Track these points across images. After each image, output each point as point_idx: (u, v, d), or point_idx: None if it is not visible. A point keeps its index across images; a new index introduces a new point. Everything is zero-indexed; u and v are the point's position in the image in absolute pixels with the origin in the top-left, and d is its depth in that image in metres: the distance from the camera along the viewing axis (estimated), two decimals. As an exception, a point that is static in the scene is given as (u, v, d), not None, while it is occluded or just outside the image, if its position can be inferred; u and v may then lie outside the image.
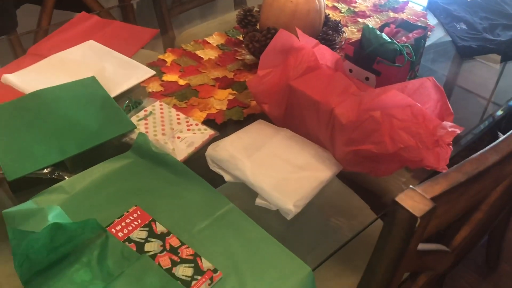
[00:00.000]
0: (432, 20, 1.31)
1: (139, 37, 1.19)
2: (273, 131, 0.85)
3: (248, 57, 1.11)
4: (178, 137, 0.87)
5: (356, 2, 1.38)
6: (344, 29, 1.16)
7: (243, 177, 0.77)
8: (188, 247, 0.68)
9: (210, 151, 0.82)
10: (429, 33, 1.23)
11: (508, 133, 0.54)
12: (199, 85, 1.02)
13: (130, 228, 0.71)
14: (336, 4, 1.37)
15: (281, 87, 0.84)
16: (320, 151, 0.81)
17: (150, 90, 1.00)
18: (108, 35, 1.17)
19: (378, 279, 0.50)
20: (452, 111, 0.77)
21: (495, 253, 1.38)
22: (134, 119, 0.89)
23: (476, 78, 1.16)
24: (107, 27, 1.21)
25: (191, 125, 0.90)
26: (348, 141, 0.74)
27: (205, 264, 0.66)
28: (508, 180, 0.62)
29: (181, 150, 0.85)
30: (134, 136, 0.86)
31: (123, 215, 0.72)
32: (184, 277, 0.64)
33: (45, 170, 0.80)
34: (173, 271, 0.65)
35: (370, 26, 0.88)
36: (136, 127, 0.87)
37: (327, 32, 1.05)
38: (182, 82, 1.03)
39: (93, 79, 0.98)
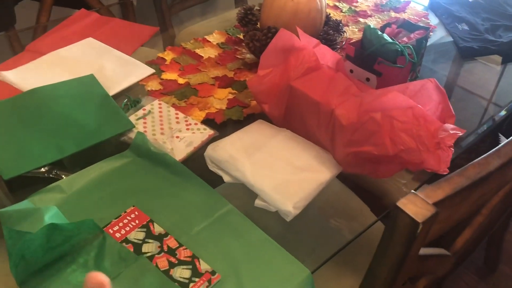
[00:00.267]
0: (433, 20, 1.31)
1: (138, 35, 1.18)
2: (273, 132, 0.85)
3: (249, 56, 1.11)
4: (177, 137, 0.86)
5: (357, 2, 1.37)
6: (345, 28, 1.15)
7: (242, 178, 0.76)
8: (186, 249, 0.68)
9: (209, 151, 0.81)
10: (430, 33, 1.23)
11: (511, 138, 0.53)
12: (199, 84, 1.02)
13: (127, 228, 0.70)
14: (337, 4, 1.36)
15: (282, 87, 0.84)
16: (320, 152, 0.80)
17: (149, 88, 0.99)
18: (107, 32, 1.16)
19: (379, 284, 0.50)
20: (453, 113, 0.77)
21: (495, 254, 1.38)
22: (132, 118, 0.89)
23: (476, 79, 1.16)
24: (107, 24, 1.20)
25: (190, 124, 0.90)
26: (348, 143, 0.74)
27: (203, 266, 0.66)
28: (510, 184, 0.61)
29: (180, 149, 0.84)
30: (132, 135, 0.85)
31: (121, 215, 0.72)
32: (181, 279, 0.64)
33: (42, 169, 0.79)
34: (170, 273, 0.64)
35: (372, 26, 0.87)
36: (134, 126, 0.86)
37: (328, 31, 1.04)
38: (181, 80, 1.02)
39: (91, 77, 0.97)
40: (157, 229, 0.70)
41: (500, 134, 1.23)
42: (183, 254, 0.67)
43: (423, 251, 0.49)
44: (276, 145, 0.82)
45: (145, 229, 0.70)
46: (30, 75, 0.99)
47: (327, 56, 0.86)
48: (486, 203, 0.62)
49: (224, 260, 0.67)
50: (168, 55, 1.10)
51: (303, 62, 0.82)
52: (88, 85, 0.96)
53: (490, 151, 0.50)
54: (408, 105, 0.71)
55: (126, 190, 0.76)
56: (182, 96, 0.98)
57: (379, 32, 0.86)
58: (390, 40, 0.84)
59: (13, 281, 0.62)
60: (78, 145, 0.82)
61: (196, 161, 0.83)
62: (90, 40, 1.12)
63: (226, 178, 0.79)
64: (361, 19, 1.28)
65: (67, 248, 0.66)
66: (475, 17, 1.28)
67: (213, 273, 0.65)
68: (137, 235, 0.69)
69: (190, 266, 0.65)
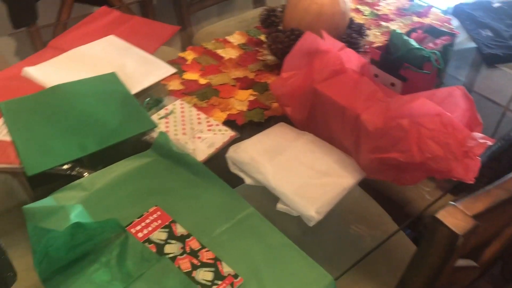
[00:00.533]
0: (456, 27, 1.29)
1: (160, 33, 1.18)
2: (295, 135, 0.84)
3: (270, 57, 1.10)
4: (199, 137, 0.86)
5: (379, 5, 1.36)
6: (367, 32, 1.14)
7: (264, 181, 0.76)
8: (208, 251, 0.67)
9: (231, 153, 0.81)
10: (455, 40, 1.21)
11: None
12: (220, 84, 1.01)
13: (150, 228, 0.70)
14: (359, 7, 1.35)
15: (305, 90, 0.83)
16: (343, 157, 0.79)
17: (170, 88, 0.99)
18: (128, 30, 1.17)
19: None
20: (481, 121, 0.76)
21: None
22: (154, 117, 0.89)
23: (498, 86, 1.14)
24: (128, 22, 1.20)
25: (212, 125, 0.89)
26: (373, 148, 0.73)
27: (226, 268, 0.65)
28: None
29: (201, 150, 0.84)
30: (154, 134, 0.85)
31: (143, 215, 0.72)
32: (204, 282, 0.63)
33: (65, 166, 0.79)
34: (193, 275, 0.64)
35: (398, 30, 0.86)
36: (157, 126, 0.86)
37: (351, 35, 1.04)
38: (202, 81, 1.02)
39: (113, 75, 0.98)
40: (179, 229, 0.70)
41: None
42: (206, 256, 0.67)
43: (457, 263, 0.48)
44: (298, 149, 0.81)
45: (167, 230, 0.70)
46: (53, 71, 1.00)
47: (352, 59, 0.85)
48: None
49: (245, 263, 0.67)
50: (189, 55, 1.10)
51: (328, 65, 0.82)
52: (110, 83, 0.96)
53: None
54: (436, 112, 0.70)
55: (147, 190, 0.76)
56: (204, 96, 0.97)
57: (406, 37, 0.85)
58: (417, 46, 0.83)
59: (34, 276, 0.63)
60: (100, 144, 0.82)
61: (216, 162, 0.83)
62: (111, 38, 1.12)
63: (247, 180, 0.78)
64: (383, 23, 1.26)
65: (90, 247, 0.66)
66: (499, 23, 1.26)
67: (235, 276, 0.64)
68: (159, 235, 0.69)
69: (213, 269, 0.65)
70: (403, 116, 0.71)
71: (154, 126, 0.86)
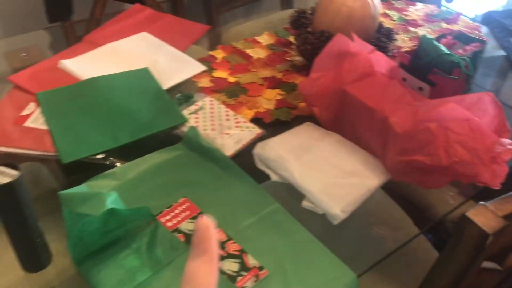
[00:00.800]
0: (486, 34, 1.29)
1: (190, 32, 1.20)
2: (322, 134, 0.86)
3: (298, 58, 1.12)
4: (227, 133, 0.88)
5: (408, 11, 1.37)
6: (396, 37, 1.15)
7: (290, 178, 0.78)
8: (234, 243, 0.69)
9: (258, 149, 0.83)
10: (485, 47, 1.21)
11: None
12: (248, 83, 1.03)
13: (179, 218, 0.72)
14: (387, 11, 1.35)
15: (334, 91, 0.84)
16: (369, 158, 0.81)
17: (200, 85, 1.01)
18: (161, 28, 1.19)
19: (435, 293, 0.50)
20: (509, 128, 0.76)
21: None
22: (185, 112, 0.91)
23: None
24: (160, 20, 1.23)
25: (240, 122, 0.91)
26: (401, 151, 0.74)
27: (251, 261, 0.67)
28: None
29: (229, 146, 0.86)
30: (184, 129, 0.87)
31: (172, 205, 0.74)
32: (230, 272, 0.65)
33: (98, 156, 0.82)
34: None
35: (428, 36, 0.87)
36: (187, 120, 0.89)
37: (380, 38, 1.05)
38: (231, 79, 1.04)
39: (146, 71, 1.00)
40: (207, 221, 0.72)
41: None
42: (232, 248, 0.69)
43: (483, 265, 0.49)
44: (324, 148, 0.83)
45: (195, 220, 0.72)
46: (88, 64, 1.03)
47: (381, 63, 0.86)
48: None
49: (270, 256, 0.68)
50: (219, 54, 1.12)
51: (357, 67, 0.83)
52: (142, 78, 0.99)
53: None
54: (464, 117, 0.71)
55: (177, 181, 0.78)
56: (232, 94, 1.00)
57: (436, 42, 0.85)
58: (447, 51, 0.84)
59: (65, 261, 0.65)
60: (132, 135, 0.85)
61: (243, 158, 0.85)
62: (144, 35, 1.15)
63: (273, 177, 0.80)
64: (411, 28, 1.27)
65: (121, 233, 0.69)
66: (529, 32, 1.25)
67: (260, 268, 0.66)
68: (187, 225, 0.71)
69: (239, 260, 0.67)
70: (431, 120, 0.72)
71: (184, 120, 0.89)
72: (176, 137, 0.87)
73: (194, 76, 1.04)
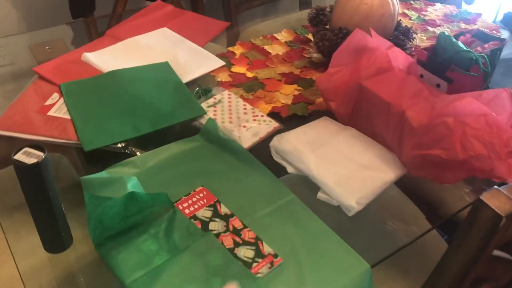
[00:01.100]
0: (505, 34, 1.28)
1: (210, 28, 1.22)
2: (338, 129, 0.86)
3: (315, 55, 1.13)
4: (244, 126, 0.89)
5: (426, 11, 1.37)
6: (414, 35, 1.15)
7: (306, 170, 0.79)
8: (250, 230, 0.70)
9: (275, 142, 0.84)
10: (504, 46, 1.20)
11: None
12: (266, 78, 1.05)
13: (196, 206, 0.73)
14: (406, 11, 1.36)
15: (351, 86, 0.85)
16: (385, 152, 0.81)
17: (219, 79, 1.03)
18: (181, 24, 1.22)
19: (448, 279, 0.51)
20: (527, 124, 0.76)
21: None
22: (203, 105, 0.93)
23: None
24: (181, 16, 1.25)
25: (257, 116, 0.93)
26: (417, 145, 0.74)
27: (266, 248, 0.68)
28: None
29: (246, 138, 0.87)
30: (203, 121, 0.89)
31: (190, 193, 0.75)
32: (245, 258, 0.66)
33: (119, 145, 0.84)
34: (235, 252, 0.67)
35: (446, 33, 0.87)
36: (206, 113, 0.90)
37: (398, 36, 1.05)
38: (249, 74, 1.06)
39: (166, 64, 1.03)
40: (223, 209, 0.73)
41: None
42: (248, 235, 0.70)
43: (495, 253, 0.50)
44: (340, 142, 0.83)
45: (212, 208, 0.73)
46: (109, 57, 1.06)
47: (399, 58, 0.87)
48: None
49: (285, 245, 0.69)
50: (238, 50, 1.14)
51: (375, 62, 0.84)
52: (163, 71, 1.01)
53: None
54: (481, 112, 0.71)
55: (195, 171, 0.80)
56: (250, 89, 1.01)
57: (454, 40, 0.86)
58: (465, 48, 0.84)
59: (85, 247, 0.67)
60: (153, 126, 0.87)
61: (260, 151, 0.86)
62: (165, 30, 1.17)
63: (289, 169, 0.81)
64: (430, 28, 1.27)
65: (140, 218, 0.70)
66: (550, 34, 1.24)
67: (275, 256, 0.67)
68: (204, 213, 0.72)
69: (254, 247, 0.68)
70: (448, 114, 0.72)
71: (203, 113, 0.90)
72: (194, 128, 0.89)
73: (213, 71, 1.06)
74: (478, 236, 0.44)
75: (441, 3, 1.43)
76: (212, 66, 1.06)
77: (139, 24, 1.20)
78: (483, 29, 1.25)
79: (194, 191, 0.76)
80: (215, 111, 0.92)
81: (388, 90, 0.80)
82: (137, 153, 0.83)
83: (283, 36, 1.21)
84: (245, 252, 0.67)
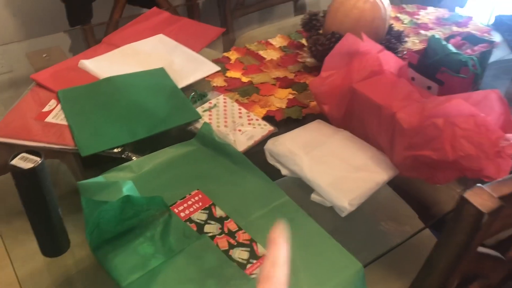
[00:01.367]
0: (496, 37, 1.30)
1: (205, 34, 1.24)
2: (332, 131, 0.88)
3: (309, 59, 1.14)
4: (239, 130, 0.91)
5: (419, 15, 1.39)
6: (406, 39, 1.17)
7: (300, 173, 0.80)
8: (244, 232, 0.72)
9: (270, 145, 0.85)
10: (493, 49, 1.22)
11: None
12: (261, 83, 1.06)
13: (191, 209, 0.75)
14: (398, 15, 1.37)
15: (343, 89, 0.87)
16: (377, 154, 0.83)
17: (214, 84, 1.05)
18: (177, 30, 1.23)
19: (436, 275, 0.52)
20: (516, 125, 0.77)
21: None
22: (199, 110, 0.94)
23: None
24: (176, 23, 1.27)
25: (252, 119, 0.94)
26: (408, 146, 0.76)
27: (261, 249, 0.69)
28: None
29: (241, 142, 0.88)
30: (198, 125, 0.90)
31: (185, 197, 0.77)
32: (240, 260, 0.68)
33: (116, 150, 0.85)
34: (230, 253, 0.68)
35: (437, 36, 0.89)
36: (201, 117, 0.92)
37: (390, 40, 1.07)
38: (245, 79, 1.07)
39: (162, 70, 1.04)
40: (218, 212, 0.74)
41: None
42: (242, 237, 0.71)
43: (482, 249, 0.51)
44: (334, 144, 0.85)
45: (207, 211, 0.74)
46: (106, 64, 1.07)
47: (390, 62, 0.88)
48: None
49: (279, 247, 0.70)
50: (233, 55, 1.16)
51: (366, 66, 0.85)
52: (158, 77, 1.02)
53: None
54: (470, 112, 0.72)
55: (191, 175, 0.81)
56: (245, 93, 1.03)
57: (444, 42, 0.87)
58: (455, 51, 0.86)
59: (82, 252, 0.68)
60: (148, 131, 0.88)
61: (255, 154, 0.87)
62: (161, 36, 1.19)
63: (284, 172, 0.83)
64: (422, 31, 1.29)
65: (136, 222, 0.72)
66: (540, 36, 1.26)
67: (269, 257, 0.68)
68: (200, 216, 0.74)
69: (248, 249, 0.69)
70: (438, 116, 0.74)
71: (198, 117, 0.92)
72: (190, 133, 0.90)
73: (209, 76, 1.07)
74: (463, 232, 0.45)
75: (434, 6, 1.45)
76: (208, 71, 1.08)
77: (135, 31, 1.22)
78: (474, 32, 1.26)
79: (190, 194, 0.77)
80: (210, 115, 0.94)
81: (379, 93, 0.81)
82: (133, 157, 0.84)
83: (278, 41, 1.23)
84: (240, 254, 0.69)
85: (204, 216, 0.74)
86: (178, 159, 0.84)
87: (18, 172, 0.58)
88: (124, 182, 0.69)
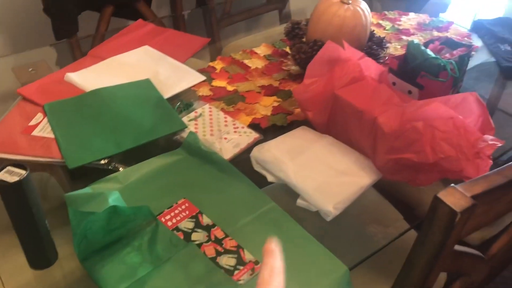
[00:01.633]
0: (476, 41, 1.33)
1: (191, 44, 1.25)
2: (316, 137, 0.89)
3: (293, 67, 1.16)
4: (225, 138, 0.92)
5: (400, 21, 1.41)
6: (388, 45, 1.19)
7: (286, 178, 0.81)
8: (231, 239, 0.72)
9: (255, 152, 0.86)
10: (473, 52, 1.25)
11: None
12: (246, 91, 1.08)
13: (178, 218, 0.75)
14: (380, 22, 1.40)
15: (326, 96, 0.88)
16: (361, 158, 0.84)
17: (200, 94, 1.06)
18: (162, 41, 1.25)
19: (416, 274, 0.53)
20: (493, 126, 0.79)
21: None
22: (185, 119, 0.95)
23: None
24: (162, 34, 1.28)
25: (238, 127, 0.95)
26: (389, 149, 0.77)
27: (247, 256, 0.70)
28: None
29: (227, 150, 0.89)
30: (184, 135, 0.91)
31: (172, 206, 0.77)
32: (227, 266, 0.68)
33: (102, 161, 0.86)
34: (217, 260, 0.69)
35: (415, 41, 0.91)
36: (187, 127, 0.93)
37: (371, 46, 1.09)
38: (230, 88, 1.09)
39: (148, 81, 1.05)
40: (205, 220, 0.75)
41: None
42: (229, 244, 0.72)
43: (460, 248, 0.52)
44: (318, 150, 0.86)
45: (194, 220, 0.75)
46: (92, 77, 1.08)
47: (370, 68, 0.90)
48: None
49: (266, 252, 0.71)
50: (218, 64, 1.17)
51: (347, 72, 0.87)
52: (144, 88, 1.04)
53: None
54: (449, 115, 0.74)
55: (177, 184, 0.82)
56: (231, 102, 1.04)
57: (423, 47, 0.89)
58: (433, 55, 0.88)
59: (73, 261, 0.69)
60: (134, 141, 0.89)
61: (242, 162, 0.88)
62: (146, 48, 1.20)
63: (270, 178, 0.84)
64: (404, 37, 1.31)
65: (123, 232, 0.72)
66: (518, 38, 1.29)
67: (256, 262, 0.69)
68: (187, 224, 0.74)
69: (235, 255, 0.70)
70: (417, 119, 0.75)
71: (184, 126, 0.93)
72: (176, 142, 0.91)
73: (194, 86, 1.08)
74: (438, 231, 0.47)
75: (415, 12, 1.48)
76: (193, 81, 1.09)
77: (121, 43, 1.23)
78: (453, 36, 1.29)
79: (177, 203, 0.78)
80: (196, 124, 0.95)
81: (361, 98, 0.83)
82: (120, 168, 0.85)
83: (262, 50, 1.24)
84: (227, 261, 0.69)
85: (191, 225, 0.74)
86: (164, 168, 0.85)
87: (3, 186, 0.59)
88: (110, 192, 0.70)
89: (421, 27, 1.38)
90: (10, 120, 0.95)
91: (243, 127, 0.95)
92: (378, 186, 0.84)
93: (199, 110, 0.98)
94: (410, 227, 0.80)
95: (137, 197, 0.80)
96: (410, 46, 0.90)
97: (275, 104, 1.04)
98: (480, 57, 1.27)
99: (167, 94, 1.03)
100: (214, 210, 0.77)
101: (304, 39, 1.15)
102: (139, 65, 1.13)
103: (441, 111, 0.75)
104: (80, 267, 0.69)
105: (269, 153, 0.85)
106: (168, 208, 0.77)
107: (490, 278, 0.76)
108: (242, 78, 1.13)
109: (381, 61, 1.12)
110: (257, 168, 0.86)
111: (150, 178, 0.83)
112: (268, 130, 0.98)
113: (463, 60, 0.92)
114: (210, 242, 0.72)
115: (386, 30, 1.36)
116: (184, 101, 1.02)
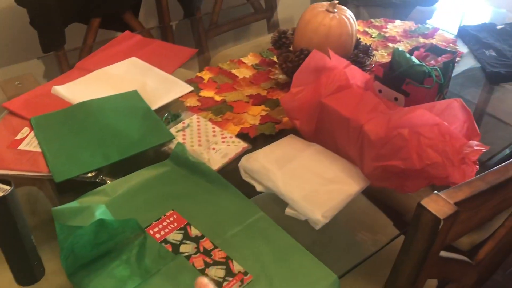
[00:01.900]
0: (461, 48, 1.34)
1: (178, 55, 1.25)
2: (304, 146, 0.89)
3: (281, 76, 1.17)
4: (213, 148, 0.92)
5: (386, 28, 1.43)
6: (374, 52, 1.20)
7: (274, 188, 0.81)
8: (220, 250, 0.72)
9: (243, 162, 0.86)
10: (458, 58, 1.26)
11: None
12: (234, 101, 1.08)
13: (166, 230, 0.75)
14: (367, 29, 1.41)
15: (313, 104, 0.89)
16: (348, 166, 0.84)
17: (188, 104, 1.06)
18: (150, 53, 1.25)
19: (402, 282, 0.53)
20: (479, 132, 0.80)
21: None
22: (173, 130, 0.95)
23: (505, 105, 1.18)
24: (149, 45, 1.29)
25: (226, 137, 0.95)
26: (376, 157, 0.78)
27: (236, 267, 0.70)
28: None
29: (215, 160, 0.89)
30: (172, 146, 0.91)
31: (161, 218, 0.77)
32: (216, 278, 0.68)
33: (89, 174, 0.85)
34: (206, 272, 0.69)
35: (400, 48, 0.92)
36: (174, 138, 0.93)
37: (358, 54, 1.10)
38: (218, 98, 1.09)
39: (135, 93, 1.05)
40: (194, 231, 0.75)
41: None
42: (218, 255, 0.71)
43: (445, 254, 0.52)
44: (306, 158, 0.86)
45: (183, 231, 0.75)
46: (79, 89, 1.08)
47: (357, 76, 0.91)
48: (510, 215, 0.65)
49: (255, 262, 0.71)
50: (206, 75, 1.17)
51: (334, 80, 0.87)
52: (132, 99, 1.03)
53: (509, 160, 0.54)
54: (434, 122, 0.75)
55: (165, 195, 0.82)
56: (219, 112, 1.04)
57: (408, 55, 0.90)
58: (418, 62, 0.88)
59: (60, 276, 0.68)
60: (122, 154, 0.88)
61: (230, 172, 0.88)
62: (134, 59, 1.20)
63: (258, 188, 0.84)
64: (390, 44, 1.33)
65: (111, 245, 0.72)
66: (502, 44, 1.31)
67: (245, 273, 0.69)
68: (175, 236, 0.74)
69: (224, 267, 0.70)
70: (403, 126, 0.76)
71: (172, 137, 0.92)
72: (164, 154, 0.91)
73: (182, 97, 1.08)
74: (423, 238, 0.47)
75: (402, 19, 1.50)
76: (181, 92, 1.09)
77: (108, 55, 1.23)
78: (438, 43, 1.30)
79: (165, 215, 0.78)
80: (184, 135, 0.95)
81: (347, 106, 0.84)
82: (108, 181, 0.84)
83: (250, 59, 1.25)
84: (216, 272, 0.69)
85: (179, 236, 0.74)
86: (152, 180, 0.85)
87: (-13, 202, 0.58)
88: (96, 206, 0.69)
89: (407, 34, 1.39)
90: (-4, 135, 0.94)
91: (231, 137, 0.95)
92: (367, 192, 0.84)
93: (187, 121, 0.98)
94: (399, 233, 0.81)
95: (125, 209, 0.79)
96: (395, 53, 0.91)
97: (263, 113, 1.04)
98: (467, 62, 1.29)
99: (154, 105, 1.02)
100: (202, 221, 0.77)
101: (291, 48, 1.15)
102: (126, 76, 1.13)
103: (426, 118, 0.76)
104: (67, 282, 0.68)
105: (257, 162, 0.85)
106: (156, 220, 0.77)
107: (480, 283, 0.76)
108: (230, 88, 1.13)
109: (368, 68, 1.13)
110: (245, 177, 0.86)
111: (138, 190, 0.83)
112: (256, 139, 0.98)
113: (448, 67, 0.93)
114: (198, 254, 0.71)
115: (373, 37, 1.37)
116: (171, 112, 1.01)
